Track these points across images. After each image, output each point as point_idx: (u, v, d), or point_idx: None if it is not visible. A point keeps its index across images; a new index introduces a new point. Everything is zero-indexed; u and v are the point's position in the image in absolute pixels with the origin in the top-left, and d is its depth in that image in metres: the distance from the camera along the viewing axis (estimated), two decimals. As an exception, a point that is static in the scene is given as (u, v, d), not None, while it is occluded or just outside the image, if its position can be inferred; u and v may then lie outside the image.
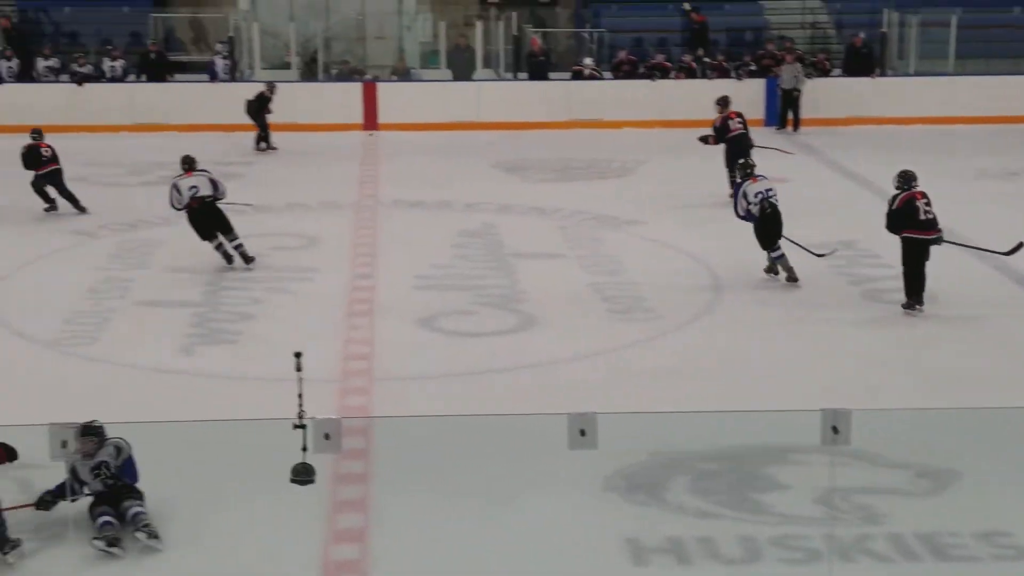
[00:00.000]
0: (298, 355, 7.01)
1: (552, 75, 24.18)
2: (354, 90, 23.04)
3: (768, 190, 13.12)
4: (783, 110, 23.07)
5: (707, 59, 24.28)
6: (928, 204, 12.06)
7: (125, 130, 21.94)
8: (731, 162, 16.26)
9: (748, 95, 23.11)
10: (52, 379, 10.76)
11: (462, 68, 24.69)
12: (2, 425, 7.85)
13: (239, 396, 10.30)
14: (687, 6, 25.66)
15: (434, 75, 25.05)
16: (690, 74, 24.04)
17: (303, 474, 6.90)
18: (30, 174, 16.37)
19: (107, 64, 22.99)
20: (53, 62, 22.66)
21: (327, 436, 6.87)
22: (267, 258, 14.39)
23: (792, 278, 13.09)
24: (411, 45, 26.46)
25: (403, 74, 24.86)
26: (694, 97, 23.32)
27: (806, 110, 22.93)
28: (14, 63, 22.61)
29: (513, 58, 24.93)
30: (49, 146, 16.22)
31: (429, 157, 20.45)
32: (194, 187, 13.66)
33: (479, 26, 24.45)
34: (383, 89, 23.27)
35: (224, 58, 23.42)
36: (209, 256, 14.25)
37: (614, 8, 26.69)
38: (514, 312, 12.56)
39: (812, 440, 6.93)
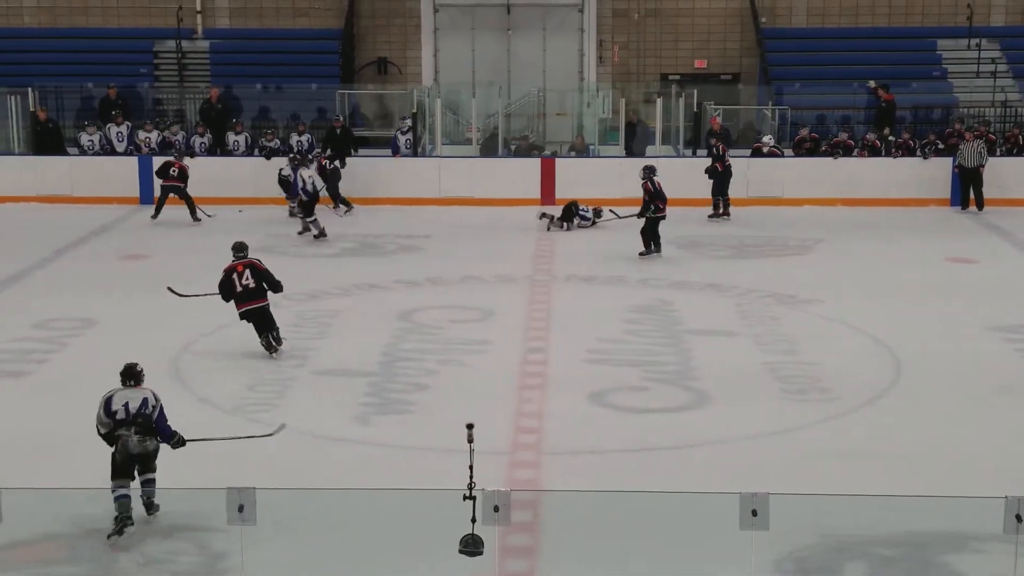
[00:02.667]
0: (470, 427, 7.05)
1: (731, 152, 24.04)
2: (532, 166, 23.30)
3: None
4: (963, 189, 22.45)
5: (892, 137, 23.83)
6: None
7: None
8: None
9: (933, 174, 22.60)
10: (232, 445, 11.01)
11: (637, 144, 24.73)
12: (182, 488, 8.06)
13: (411, 466, 10.39)
14: (872, 83, 25.28)
15: (612, 151, 25.15)
16: (873, 152, 23.62)
17: (472, 545, 6.90)
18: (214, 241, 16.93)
19: (294, 139, 23.75)
20: (243, 137, 23.52)
21: (496, 508, 6.87)
22: (442, 330, 14.57)
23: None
24: (590, 121, 26.66)
25: (582, 150, 25.05)
26: (877, 175, 22.94)
27: (993, 189, 22.26)
28: (206, 138, 23.55)
29: (692, 135, 24.89)
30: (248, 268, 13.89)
31: (604, 232, 20.47)
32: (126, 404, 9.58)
33: (659, 103, 24.52)
34: (561, 165, 23.47)
35: (403, 133, 23.97)
36: (386, 327, 14.51)
37: (797, 85, 26.48)
38: (686, 389, 12.42)
39: (994, 528, 6.64)
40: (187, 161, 21.62)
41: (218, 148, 23.61)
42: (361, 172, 22.88)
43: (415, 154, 24.04)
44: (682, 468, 10.29)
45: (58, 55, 26.77)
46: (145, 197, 22.48)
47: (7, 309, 15.54)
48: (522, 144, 25.00)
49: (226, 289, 13.45)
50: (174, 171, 21.00)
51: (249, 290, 13.33)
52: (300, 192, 19.74)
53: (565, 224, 20.80)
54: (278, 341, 13.46)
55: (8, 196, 22.11)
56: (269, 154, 23.16)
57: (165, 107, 26.43)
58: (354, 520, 8.36)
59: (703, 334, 14.40)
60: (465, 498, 6.88)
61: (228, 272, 13.45)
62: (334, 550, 8.03)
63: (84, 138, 23.44)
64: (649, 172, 18.52)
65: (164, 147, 23.27)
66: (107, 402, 9.24)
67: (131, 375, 9.34)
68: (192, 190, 21.09)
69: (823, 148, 23.84)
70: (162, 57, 27.34)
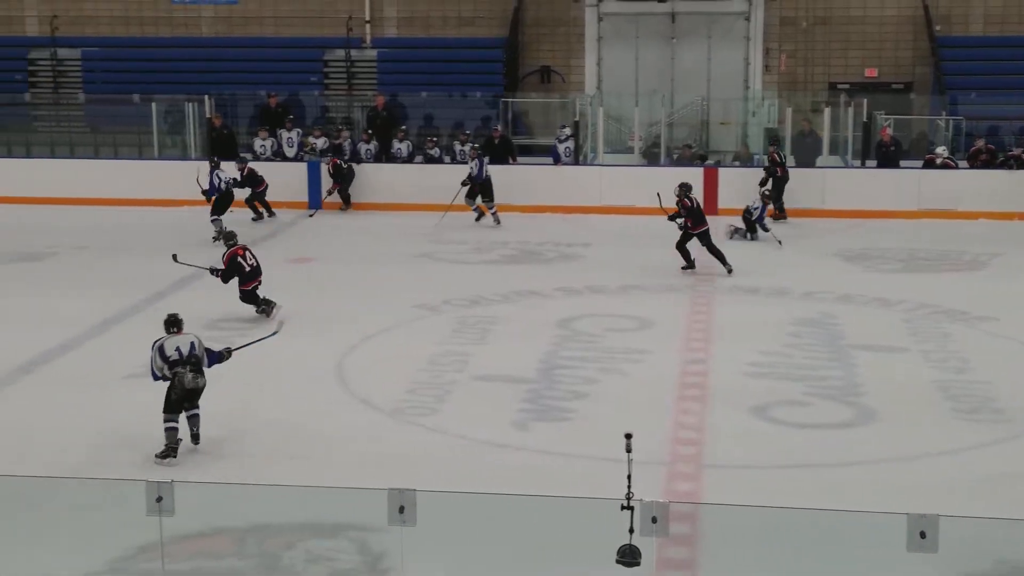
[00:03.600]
0: (628, 436, 6.99)
1: (903, 163, 23.48)
2: (695, 175, 23.08)
3: None
4: None
5: (1072, 150, 22.99)
6: None
7: (469, 210, 22.77)
8: None
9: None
10: (392, 447, 11.16)
11: (806, 154, 24.32)
12: (344, 488, 8.18)
13: (569, 473, 10.37)
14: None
15: (777, 161, 24.76)
16: (1052, 165, 22.82)
17: (629, 556, 6.84)
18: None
19: (457, 147, 24.00)
20: (405, 145, 23.84)
21: (654, 520, 6.80)
22: (601, 339, 14.53)
23: None
24: (755, 130, 26.33)
25: (746, 160, 24.74)
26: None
27: None
28: (372, 145, 23.95)
29: (862, 145, 24.37)
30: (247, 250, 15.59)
31: (769, 243, 20.17)
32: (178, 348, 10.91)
33: (827, 112, 24.07)
34: (724, 174, 23.22)
35: (561, 141, 23.99)
36: (545, 334, 14.54)
37: (972, 95, 25.73)
38: (850, 405, 12.14)
39: None
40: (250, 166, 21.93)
41: (383, 155, 23.99)
42: (522, 180, 23.00)
43: (576, 162, 24.05)
44: (845, 486, 10.05)
45: (233, 63, 27.55)
46: (313, 201, 22.96)
47: (180, 309, 15.94)
48: (685, 153, 24.82)
49: (236, 270, 15.07)
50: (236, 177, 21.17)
51: (254, 269, 15.10)
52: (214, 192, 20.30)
53: (749, 235, 20.48)
54: (270, 304, 15.08)
55: (184, 200, 22.81)
56: (430, 162, 23.44)
57: (333, 114, 26.98)
58: (511, 525, 8.37)
59: (869, 349, 14.07)
60: (623, 508, 6.82)
61: (233, 256, 15.10)
62: (491, 554, 8.05)
63: (257, 143, 24.07)
64: (685, 190, 17.98)
65: (333, 152, 23.75)
66: (160, 348, 10.69)
67: (175, 323, 10.94)
68: (358, 196, 21.49)
69: (1000, 159, 23.09)
70: (331, 65, 27.92)
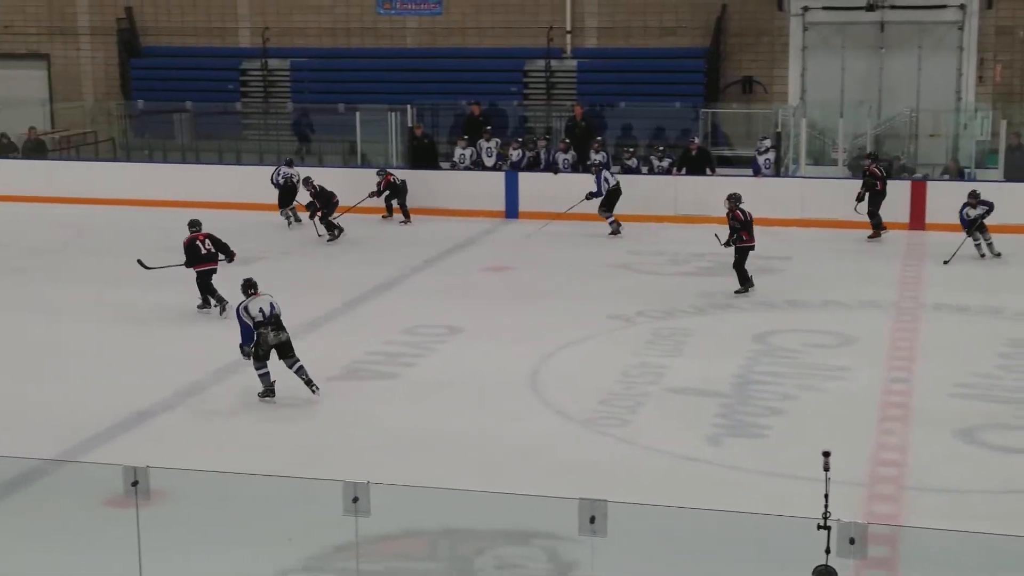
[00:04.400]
0: (827, 454, 6.79)
1: None
2: (902, 188, 22.41)
3: None
4: None
5: None
6: None
7: (668, 221, 22.60)
8: None
9: None
10: (584, 457, 11.13)
11: (1018, 168, 23.35)
12: (536, 496, 8.18)
13: (763, 490, 10.17)
14: None
15: (989, 175, 23.85)
16: None
17: (825, 576, 6.65)
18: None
19: (654, 160, 23.84)
20: (601, 156, 23.80)
21: (852, 541, 6.60)
22: (800, 354, 14.22)
23: None
24: (967, 143, 25.41)
25: (955, 174, 23.90)
26: None
27: None
28: (570, 154, 24.00)
29: (1083, 159, 23.27)
30: (208, 238, 16.25)
31: (978, 261, 19.37)
32: (261, 309, 12.56)
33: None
34: (933, 188, 22.47)
35: (761, 153, 23.58)
36: (741, 348, 14.31)
37: None
38: (1065, 430, 11.58)
39: None
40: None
41: (580, 165, 24.00)
42: (721, 191, 22.61)
43: (776, 174, 23.62)
44: (1057, 514, 9.59)
45: (435, 74, 27.97)
46: (510, 211, 23.12)
47: (380, 314, 16.33)
48: (892, 166, 24.10)
49: (193, 255, 15.97)
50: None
51: (210, 254, 16.05)
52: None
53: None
54: (221, 301, 15.87)
55: (383, 208, 23.25)
56: (626, 172, 23.35)
57: (531, 124, 27.13)
58: (703, 541, 8.23)
59: (1086, 372, 13.40)
60: (819, 527, 6.64)
61: (192, 241, 16.02)
62: (681, 569, 7.93)
63: (456, 152, 24.39)
64: (735, 200, 17.42)
65: (532, 164, 23.89)
66: (246, 309, 12.47)
67: (252, 285, 12.70)
68: (557, 205, 21.51)
69: None
70: (531, 76, 28.09)
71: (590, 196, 21.47)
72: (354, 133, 25.34)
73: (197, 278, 16.10)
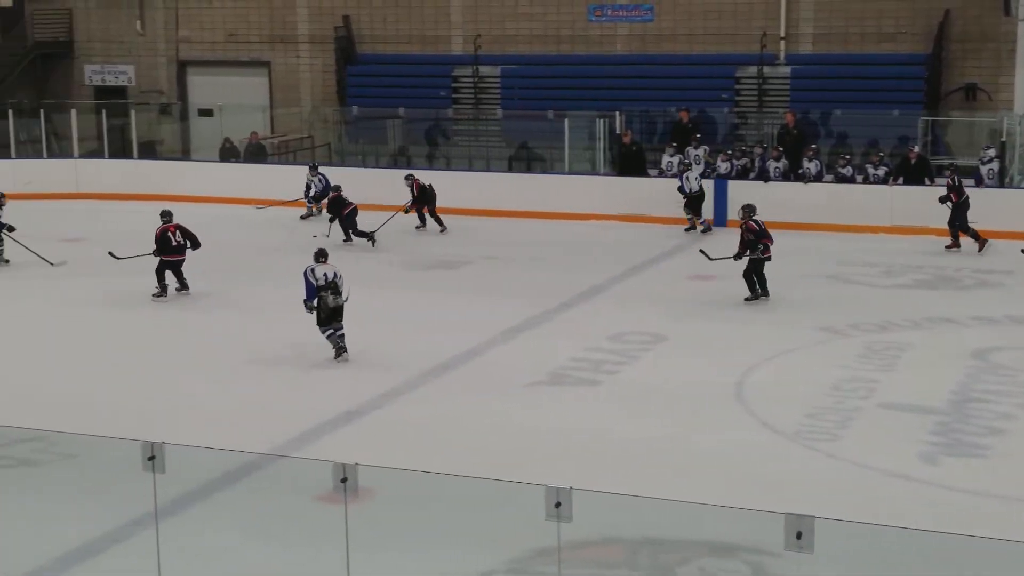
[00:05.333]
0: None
1: None
2: None
3: None
4: None
5: None
6: None
7: (883, 231, 21.96)
8: None
9: None
10: (791, 471, 10.89)
11: None
12: (739, 508, 8.02)
13: (980, 512, 9.76)
14: None
15: None
16: None
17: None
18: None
19: (870, 169, 23.21)
20: (814, 164, 23.29)
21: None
22: (1022, 373, 13.62)
23: None
24: None
25: None
26: None
27: None
28: (782, 163, 23.58)
29: None
30: (178, 229, 17.50)
31: None
32: (324, 274, 14.35)
33: None
34: None
35: (984, 163, 22.69)
36: (959, 364, 13.80)
37: None
38: None
39: None
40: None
41: (792, 174, 23.56)
42: (936, 201, 21.94)
43: (1000, 185, 22.71)
44: None
45: (645, 80, 27.86)
46: (719, 219, 22.85)
47: (585, 320, 16.33)
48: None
49: (164, 245, 17.19)
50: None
51: (179, 246, 17.24)
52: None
53: None
54: (185, 286, 17.37)
55: (592, 214, 23.26)
56: (840, 180, 22.80)
57: (742, 132, 26.77)
58: (913, 562, 7.94)
59: None
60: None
61: (164, 232, 17.27)
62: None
63: (664, 159, 24.24)
64: (749, 212, 16.87)
65: (742, 173, 23.56)
66: (312, 271, 14.15)
67: (323, 254, 14.39)
68: (767, 214, 21.14)
69: None
70: (743, 83, 27.71)
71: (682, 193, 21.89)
72: (562, 140, 25.43)
73: (159, 266, 17.21)
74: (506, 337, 15.41)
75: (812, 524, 7.11)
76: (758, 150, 24.05)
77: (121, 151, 27.67)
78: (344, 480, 7.21)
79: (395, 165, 27.35)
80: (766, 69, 27.49)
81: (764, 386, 13.36)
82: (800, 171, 23.08)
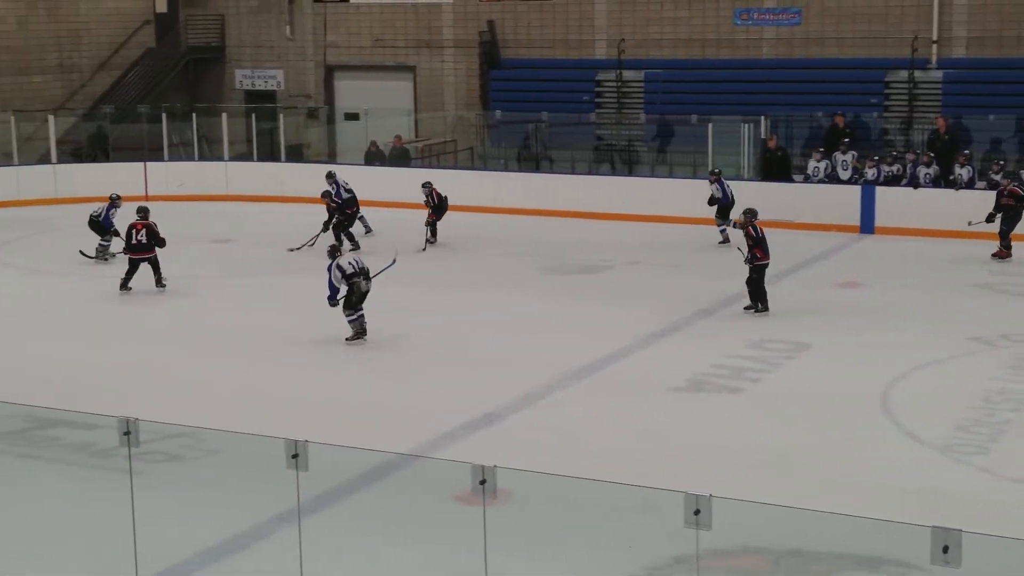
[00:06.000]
0: None
1: None
2: None
3: None
4: None
5: None
6: None
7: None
8: None
9: None
10: (939, 483, 10.61)
11: None
12: (885, 520, 7.84)
13: None
14: None
15: None
16: None
17: None
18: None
19: (1024, 173, 22.51)
20: (966, 170, 22.66)
21: None
22: None
23: None
24: None
25: None
26: None
27: None
28: (932, 168, 23.00)
29: None
30: (147, 227, 17.86)
31: None
32: (351, 262, 15.29)
33: None
34: None
35: None
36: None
37: None
38: None
39: None
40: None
41: (943, 180, 22.96)
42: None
43: None
44: None
45: (791, 85, 27.45)
46: (866, 226, 22.40)
47: (726, 327, 16.12)
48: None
49: (127, 241, 17.71)
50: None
51: (141, 244, 17.55)
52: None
53: None
54: (161, 283, 17.78)
55: (736, 219, 22.96)
56: (993, 187, 22.14)
57: (892, 137, 26.19)
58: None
59: None
60: None
61: (129, 227, 17.74)
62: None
63: (811, 165, 23.84)
64: (750, 216, 16.51)
65: (892, 179, 23.06)
66: (338, 267, 14.94)
67: (337, 249, 15.47)
68: (916, 221, 20.66)
69: None
70: (893, 87, 27.10)
71: (712, 202, 21.58)
72: (706, 144, 25.19)
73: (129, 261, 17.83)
74: (646, 342, 15.31)
75: (959, 538, 6.90)
76: (910, 156, 23.48)
77: (269, 154, 28.24)
78: (483, 482, 7.22)
79: (537, 169, 27.42)
80: (917, 73, 26.84)
81: (911, 397, 13.04)
82: (951, 177, 22.51)
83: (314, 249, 20.15)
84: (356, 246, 20.81)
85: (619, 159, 27.73)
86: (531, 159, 28.05)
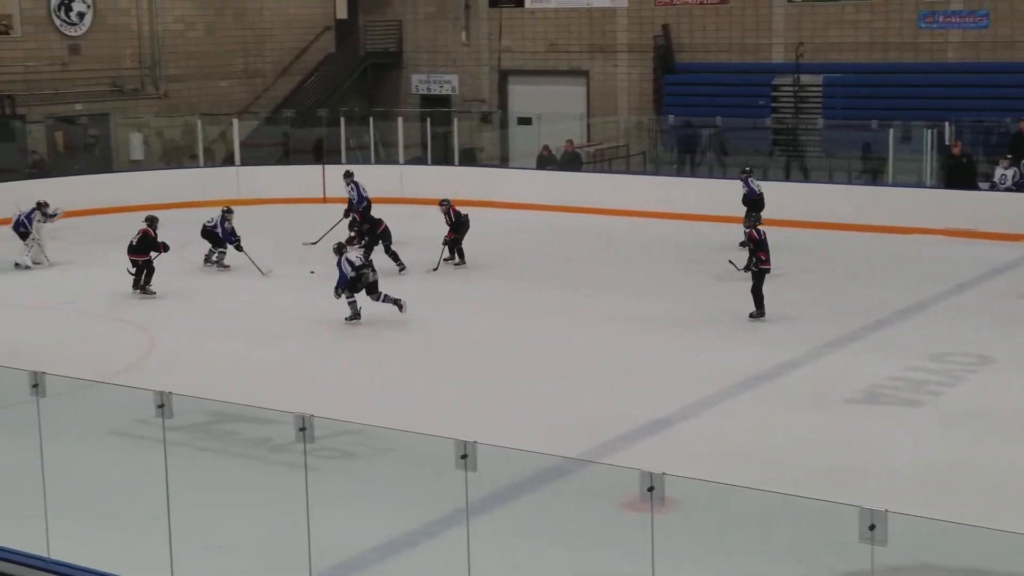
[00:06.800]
0: None
1: None
2: None
3: None
4: None
5: None
6: None
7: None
8: None
9: None
10: None
11: None
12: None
13: None
14: None
15: None
16: None
17: None
18: None
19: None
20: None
21: None
22: None
23: None
24: None
25: None
26: None
27: None
28: (1011, 171, 22.19)
29: None
30: (144, 233, 18.70)
31: None
32: (359, 255, 16.99)
33: None
34: None
35: None
36: None
37: None
38: None
39: None
40: None
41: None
42: None
43: None
44: None
45: (977, 89, 26.62)
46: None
47: (905, 338, 15.69)
48: None
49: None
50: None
51: (132, 247, 18.57)
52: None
53: None
54: (142, 289, 18.47)
55: (916, 228, 22.38)
56: None
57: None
58: None
59: None
60: None
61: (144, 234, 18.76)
62: None
63: (998, 172, 23.05)
64: (754, 220, 16.50)
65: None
66: (349, 261, 16.45)
67: (343, 246, 17.18)
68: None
69: None
70: (1084, 92, 26.06)
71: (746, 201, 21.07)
72: (886, 150, 24.59)
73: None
74: (820, 352, 15.00)
75: None
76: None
77: (443, 158, 28.59)
78: (651, 489, 7.15)
79: (710, 175, 27.13)
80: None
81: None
82: None
83: (489, 255, 20.24)
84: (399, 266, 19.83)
85: (794, 165, 27.25)
86: (705, 164, 27.80)
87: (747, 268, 16.64)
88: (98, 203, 24.95)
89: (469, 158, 29.66)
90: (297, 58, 33.96)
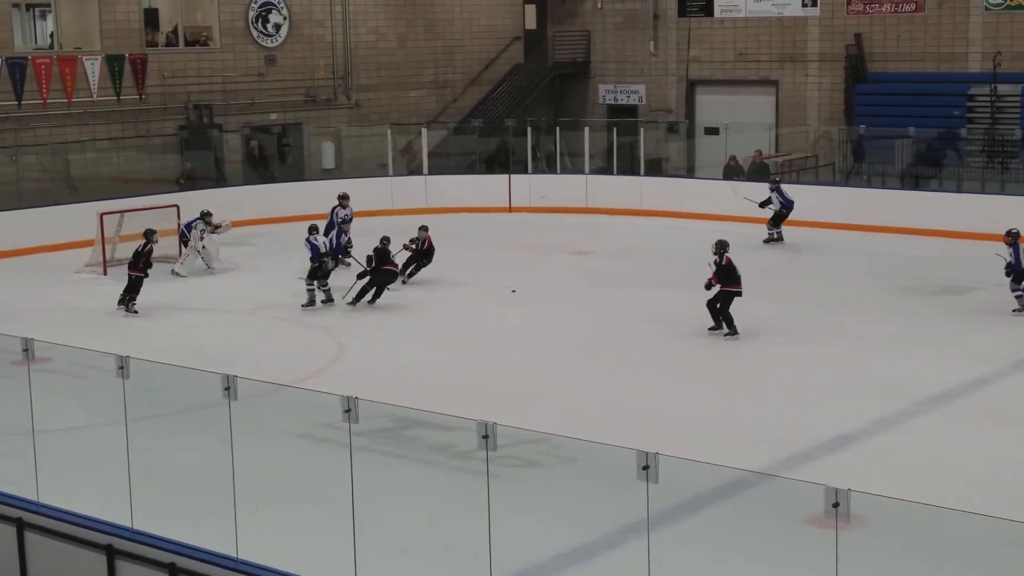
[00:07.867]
0: None
1: None
2: None
3: None
4: None
5: None
6: None
7: None
8: None
9: None
10: None
11: None
12: None
13: None
14: None
15: None
16: None
17: None
18: None
19: None
20: None
21: None
22: None
23: None
24: None
25: None
26: None
27: None
28: None
29: None
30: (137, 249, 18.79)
31: None
32: (325, 243, 18.90)
33: None
34: None
35: None
36: None
37: None
38: None
39: None
40: None
41: None
42: None
43: None
44: None
45: None
46: None
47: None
48: None
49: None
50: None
51: (129, 261, 18.84)
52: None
53: None
54: (126, 305, 18.48)
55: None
56: None
57: None
58: None
59: None
60: None
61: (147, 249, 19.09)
62: None
63: None
64: (721, 247, 16.51)
65: None
66: (315, 248, 18.37)
67: (315, 228, 19.12)
68: None
69: None
70: None
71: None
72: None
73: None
74: (1015, 368, 14.50)
75: None
76: None
77: (629, 168, 28.52)
78: (836, 505, 7.03)
79: (902, 186, 26.47)
80: None
81: None
82: None
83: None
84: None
85: (991, 176, 26.37)
86: (897, 175, 27.12)
87: (708, 287, 16.47)
88: (289, 212, 25.63)
89: (655, 168, 29.53)
90: (486, 68, 34.34)
